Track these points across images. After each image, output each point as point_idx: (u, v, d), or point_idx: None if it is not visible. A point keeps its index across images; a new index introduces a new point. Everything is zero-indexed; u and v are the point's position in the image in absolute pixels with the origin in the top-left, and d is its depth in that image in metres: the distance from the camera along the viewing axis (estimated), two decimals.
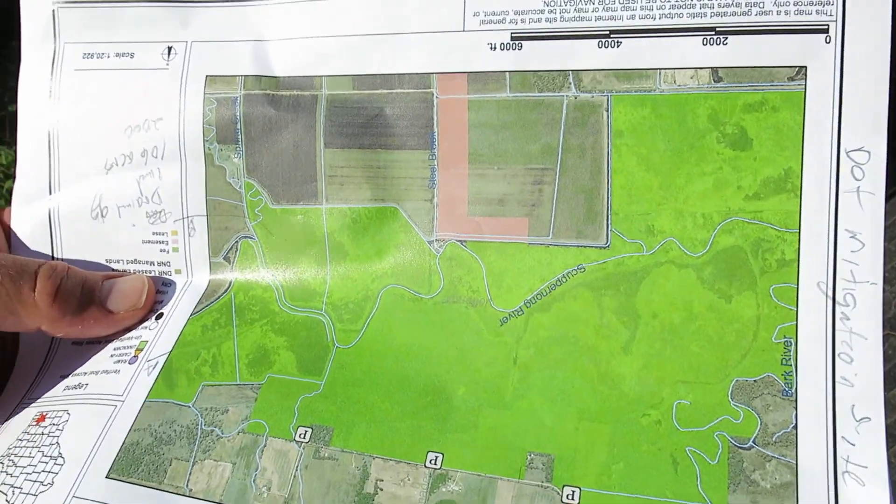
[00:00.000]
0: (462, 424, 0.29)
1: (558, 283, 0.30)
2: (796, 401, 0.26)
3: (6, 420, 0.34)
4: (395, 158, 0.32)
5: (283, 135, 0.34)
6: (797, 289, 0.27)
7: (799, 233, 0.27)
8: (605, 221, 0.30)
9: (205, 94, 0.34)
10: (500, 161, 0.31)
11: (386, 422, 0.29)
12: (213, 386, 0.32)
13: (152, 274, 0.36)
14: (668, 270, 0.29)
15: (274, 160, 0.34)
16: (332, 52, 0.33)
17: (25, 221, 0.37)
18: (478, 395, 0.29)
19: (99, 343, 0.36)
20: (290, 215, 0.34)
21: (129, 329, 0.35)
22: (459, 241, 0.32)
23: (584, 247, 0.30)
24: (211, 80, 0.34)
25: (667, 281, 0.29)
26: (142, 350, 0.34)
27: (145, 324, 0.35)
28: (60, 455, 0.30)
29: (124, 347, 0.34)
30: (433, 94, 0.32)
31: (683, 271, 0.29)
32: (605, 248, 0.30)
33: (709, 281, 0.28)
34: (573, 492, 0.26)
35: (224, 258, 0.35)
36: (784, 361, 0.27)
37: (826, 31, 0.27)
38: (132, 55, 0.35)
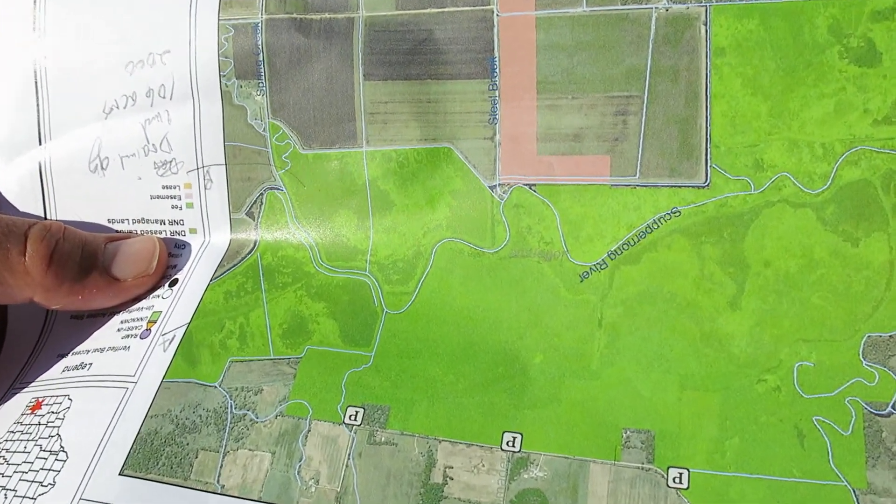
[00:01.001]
0: (542, 398, 0.27)
1: (648, 231, 0.28)
2: None
3: None
4: (447, 90, 0.30)
5: (313, 66, 0.31)
6: None
7: None
8: (703, 156, 0.27)
9: (219, 19, 0.31)
10: (576, 89, 0.28)
11: (451, 398, 0.27)
12: (242, 361, 0.30)
13: (163, 234, 0.34)
14: (782, 211, 0.26)
15: (303, 97, 0.31)
16: None
17: (11, 176, 0.34)
18: (558, 364, 0.27)
19: (103, 316, 0.33)
20: (325, 161, 0.31)
21: (138, 299, 0.33)
22: (528, 184, 0.29)
23: (679, 187, 0.27)
24: (226, 2, 0.31)
25: (780, 223, 0.26)
26: (155, 322, 0.31)
27: (157, 292, 0.33)
28: (62, 449, 0.28)
29: (134, 320, 0.32)
30: (493, 12, 0.29)
31: (800, 211, 0.26)
32: (704, 187, 0.27)
33: (831, 222, 0.26)
34: (680, 474, 0.24)
35: (247, 214, 0.33)
36: None
37: None
38: None
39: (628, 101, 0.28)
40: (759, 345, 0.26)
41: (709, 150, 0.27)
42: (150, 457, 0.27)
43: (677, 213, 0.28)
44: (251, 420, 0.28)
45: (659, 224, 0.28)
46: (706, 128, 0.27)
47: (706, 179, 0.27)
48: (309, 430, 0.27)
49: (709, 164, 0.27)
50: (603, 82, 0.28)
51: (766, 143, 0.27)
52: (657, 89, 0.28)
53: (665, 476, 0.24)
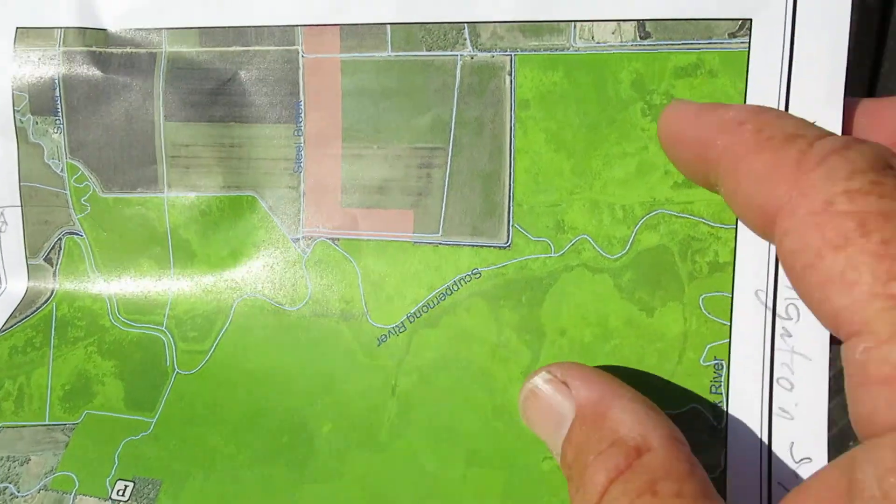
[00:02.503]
0: (324, 472, 0.27)
1: (449, 292, 0.28)
2: (725, 439, 0.25)
3: None
4: (252, 134, 0.30)
5: (113, 104, 0.31)
6: (731, 299, 0.25)
7: (736, 229, 0.25)
8: (505, 215, 0.28)
9: (14, 50, 0.32)
10: (381, 138, 0.29)
11: (229, 471, 0.27)
12: (13, 428, 0.30)
13: None
14: (580, 276, 0.27)
15: (103, 136, 0.32)
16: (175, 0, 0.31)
17: None
18: (346, 434, 0.27)
19: None
20: (125, 206, 0.32)
21: None
22: (331, 238, 0.30)
23: (481, 246, 0.28)
24: (22, 33, 0.32)
25: (578, 289, 0.27)
26: None
27: None
28: None
29: None
30: (299, 53, 0.30)
31: (598, 277, 0.27)
32: (505, 248, 0.28)
33: (628, 289, 0.26)
34: None
35: (45, 259, 0.33)
36: (714, 390, 0.25)
37: None
38: None
39: (433, 153, 0.29)
40: None
41: (511, 208, 0.28)
42: None
43: (478, 275, 0.28)
44: (11, 494, 0.28)
45: (459, 286, 0.28)
46: (510, 184, 0.28)
47: (508, 240, 0.28)
48: None
49: (511, 224, 0.28)
50: (409, 132, 0.29)
51: (568, 203, 0.27)
52: (462, 142, 0.28)
53: None
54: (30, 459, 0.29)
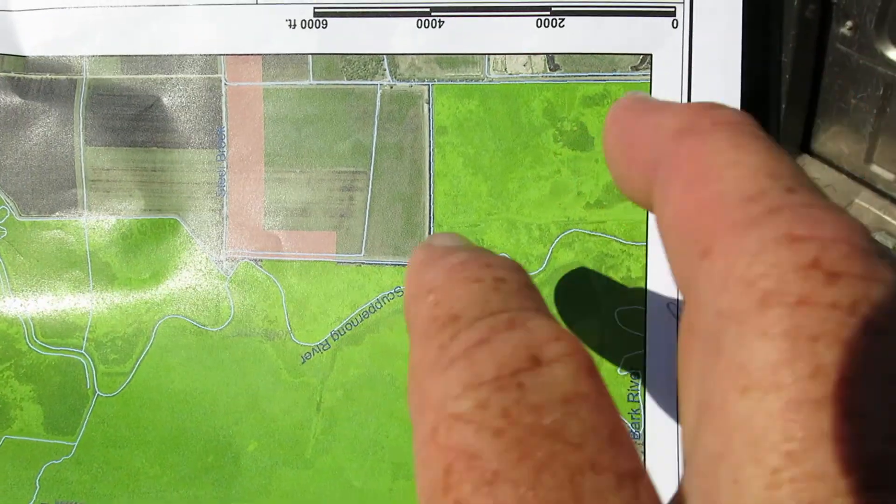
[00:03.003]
0: (250, 490, 0.27)
1: (372, 310, 0.29)
2: (644, 445, 0.26)
3: None
4: (175, 159, 0.31)
5: (32, 129, 0.31)
6: (645, 312, 0.27)
7: (646, 246, 0.27)
8: (426, 235, 0.29)
9: None
10: (303, 163, 0.30)
11: (154, 492, 0.27)
12: None
13: None
14: None
15: (20, 161, 0.31)
16: (96, 26, 0.31)
17: None
18: (272, 452, 0.28)
19: None
20: (43, 230, 0.31)
21: None
22: (254, 259, 0.30)
23: (403, 266, 0.29)
24: None
25: None
26: None
27: None
28: None
29: None
30: (221, 81, 0.30)
31: None
32: None
33: (547, 304, 0.27)
34: None
35: None
36: (631, 398, 0.26)
37: (673, 14, 0.28)
38: None
39: (355, 176, 0.30)
40: None
41: (432, 228, 0.29)
42: None
43: (400, 293, 0.29)
44: None
45: (382, 303, 0.29)
46: (430, 206, 0.29)
47: None
48: None
49: None
50: (331, 157, 0.30)
51: (487, 224, 0.28)
52: (382, 166, 0.29)
53: None
54: None
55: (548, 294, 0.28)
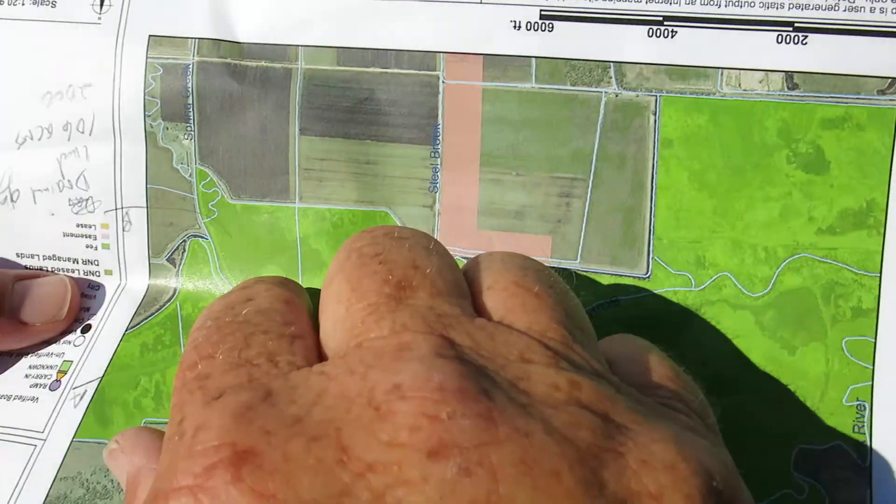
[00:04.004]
0: None
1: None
2: (871, 477, 0.26)
3: None
4: (388, 153, 0.30)
5: (247, 115, 0.31)
6: (875, 344, 0.26)
7: (880, 278, 0.26)
8: (645, 247, 0.28)
9: (147, 57, 0.31)
10: (520, 166, 0.29)
11: None
12: (157, 423, 0.30)
13: (76, 274, 0.34)
14: (721, 311, 0.28)
15: (235, 145, 0.31)
16: (313, 17, 0.30)
17: None
18: None
19: (9, 356, 0.33)
20: (254, 213, 0.32)
21: (48, 342, 0.33)
22: (465, 258, 0.30)
23: (620, 276, 0.29)
24: (156, 41, 0.31)
25: (719, 324, 0.28)
26: (66, 373, 0.32)
27: (69, 337, 0.33)
28: None
29: (43, 367, 0.32)
30: (439, 79, 0.30)
31: (739, 313, 0.28)
32: (644, 278, 0.28)
33: (769, 327, 0.27)
34: None
35: (168, 260, 0.33)
36: (857, 429, 0.26)
37: None
38: (53, 4, 0.32)
39: (573, 183, 0.29)
40: None
41: (652, 241, 0.28)
42: None
43: (616, 304, 0.29)
44: None
45: (598, 312, 0.29)
46: (650, 219, 0.28)
47: (647, 271, 0.28)
48: None
49: (651, 256, 0.28)
50: (548, 162, 0.29)
51: (710, 241, 0.28)
52: (603, 175, 0.29)
53: None
54: None
55: (772, 317, 0.28)
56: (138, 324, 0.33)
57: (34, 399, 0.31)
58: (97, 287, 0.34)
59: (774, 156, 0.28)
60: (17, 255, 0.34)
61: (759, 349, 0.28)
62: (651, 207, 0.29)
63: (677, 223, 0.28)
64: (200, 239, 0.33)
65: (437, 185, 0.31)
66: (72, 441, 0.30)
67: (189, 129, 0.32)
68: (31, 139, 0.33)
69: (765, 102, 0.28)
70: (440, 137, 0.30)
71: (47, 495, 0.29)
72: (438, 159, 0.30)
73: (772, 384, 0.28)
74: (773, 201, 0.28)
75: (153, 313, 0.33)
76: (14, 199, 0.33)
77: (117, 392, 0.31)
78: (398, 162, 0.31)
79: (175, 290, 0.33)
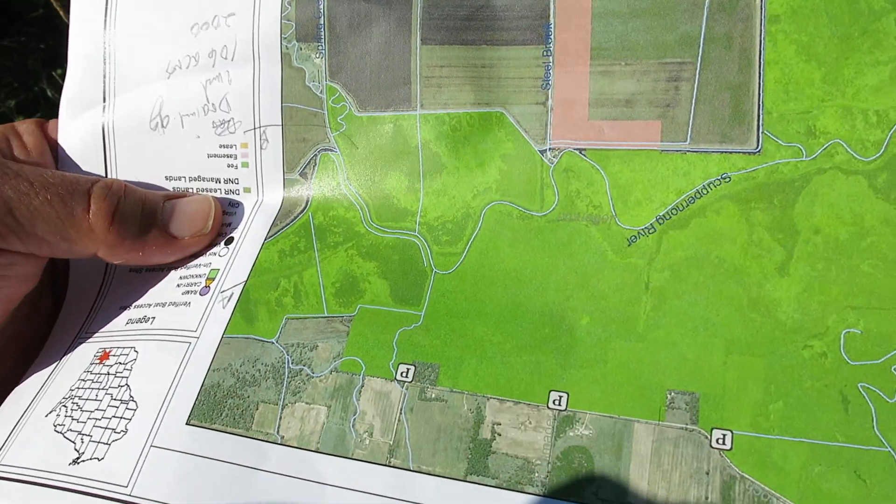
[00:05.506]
0: (588, 359, 0.28)
1: (698, 196, 0.29)
2: None
3: (64, 355, 0.34)
4: (502, 56, 0.32)
5: (372, 30, 0.33)
6: None
7: None
8: (755, 122, 0.29)
9: None
10: (629, 55, 0.30)
11: (499, 357, 0.29)
12: (297, 319, 0.32)
13: (217, 193, 0.36)
14: (834, 178, 0.28)
15: (361, 60, 0.33)
16: None
17: (75, 134, 0.37)
18: (605, 326, 0.29)
19: (161, 270, 0.36)
20: (379, 123, 0.33)
21: (195, 255, 0.35)
22: (578, 149, 0.31)
23: (730, 153, 0.29)
24: None
25: (831, 190, 0.28)
26: (213, 279, 0.34)
27: (214, 249, 0.35)
28: (132, 398, 0.31)
29: (193, 276, 0.34)
30: None
31: (852, 178, 0.27)
32: (755, 153, 0.29)
33: (883, 189, 0.27)
34: (724, 435, 0.26)
35: (300, 174, 0.35)
36: None
37: None
38: None
39: (681, 67, 0.29)
40: (807, 311, 0.27)
41: (761, 116, 0.29)
42: (213, 408, 0.30)
43: (727, 179, 0.29)
44: (307, 375, 0.30)
45: (708, 189, 0.29)
46: (759, 94, 0.29)
47: (758, 145, 0.29)
48: (362, 386, 0.29)
49: (761, 131, 0.29)
50: (656, 49, 0.30)
51: (820, 111, 0.28)
52: (710, 56, 0.29)
53: (708, 437, 0.26)
54: (317, 346, 0.31)
55: (886, 179, 0.27)
56: (276, 233, 0.35)
57: (187, 304, 0.34)
58: (237, 204, 0.36)
59: (882, 20, 0.27)
60: (167, 177, 0.37)
61: (873, 212, 0.27)
62: (759, 83, 0.29)
63: (786, 96, 0.29)
64: (330, 152, 0.35)
65: (550, 81, 0.31)
66: (222, 337, 0.32)
67: (320, 48, 0.34)
68: (180, 68, 0.35)
69: None
70: (552, 36, 0.31)
71: (202, 384, 0.31)
72: (550, 57, 0.31)
73: (888, 245, 0.27)
74: (882, 65, 0.27)
75: (288, 223, 0.35)
76: (164, 124, 0.36)
77: (260, 293, 0.33)
78: (512, 63, 0.32)
79: (307, 200, 0.35)
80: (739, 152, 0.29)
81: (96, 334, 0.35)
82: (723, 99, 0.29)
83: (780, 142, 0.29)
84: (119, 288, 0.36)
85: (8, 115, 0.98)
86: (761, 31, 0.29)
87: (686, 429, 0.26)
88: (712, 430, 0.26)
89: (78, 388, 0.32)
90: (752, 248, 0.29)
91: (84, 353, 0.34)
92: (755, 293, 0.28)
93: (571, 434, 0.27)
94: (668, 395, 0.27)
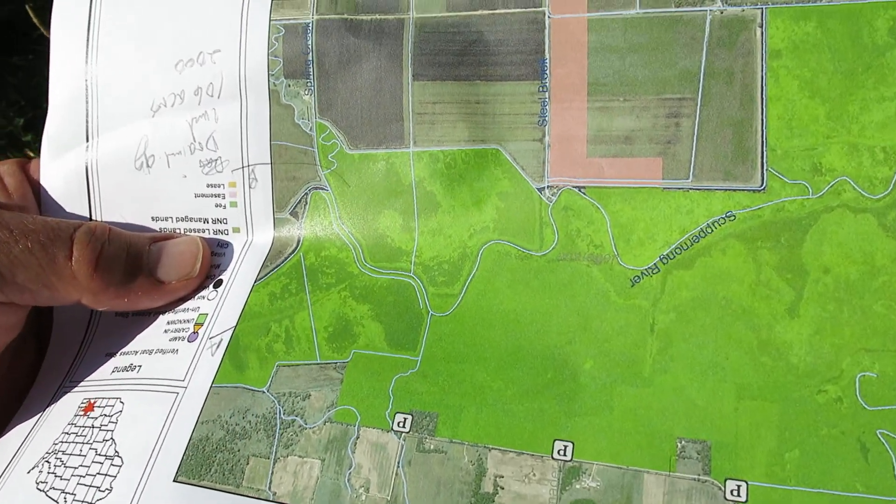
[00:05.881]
0: (593, 406, 0.27)
1: (702, 235, 0.28)
2: None
3: (48, 405, 0.33)
4: (497, 91, 0.31)
5: (363, 66, 0.32)
6: None
7: None
8: (759, 159, 0.28)
9: (270, 19, 0.33)
10: (628, 91, 0.29)
11: (500, 404, 0.28)
12: (289, 366, 0.31)
13: (206, 234, 0.35)
14: (842, 216, 0.27)
15: (351, 97, 0.32)
16: None
17: (57, 174, 0.36)
18: (609, 370, 0.28)
19: (148, 315, 0.34)
20: (371, 161, 0.32)
21: (183, 299, 0.34)
22: (577, 187, 0.30)
23: (734, 190, 0.28)
24: (278, 3, 0.33)
25: (840, 229, 0.27)
26: (202, 325, 0.32)
27: (202, 293, 0.34)
28: (117, 454, 0.29)
29: (180, 322, 0.33)
30: (545, 14, 0.30)
31: (860, 217, 0.27)
32: (759, 191, 0.28)
33: (893, 228, 0.26)
34: (738, 486, 0.25)
35: (291, 213, 0.34)
36: None
37: None
38: None
39: (681, 103, 0.29)
40: (819, 354, 0.26)
41: (765, 153, 0.28)
42: (202, 463, 0.28)
43: (732, 218, 0.28)
44: (300, 426, 0.29)
45: (713, 228, 0.28)
46: (762, 131, 0.28)
47: (762, 183, 0.28)
48: (358, 437, 0.28)
49: (765, 168, 0.28)
50: (655, 84, 0.29)
51: (825, 147, 0.27)
52: (711, 91, 0.28)
53: (722, 488, 0.25)
54: (310, 395, 0.30)
55: (895, 218, 0.26)
56: (266, 275, 0.33)
57: (174, 351, 0.32)
58: (226, 245, 0.35)
59: (886, 55, 0.27)
60: (153, 218, 0.35)
61: (884, 251, 0.27)
62: (762, 119, 0.28)
63: (790, 132, 0.28)
64: (321, 191, 0.34)
65: (546, 118, 0.31)
66: (211, 387, 0.31)
67: (309, 84, 0.33)
68: (165, 106, 0.34)
69: (874, 3, 0.27)
70: (547, 71, 0.30)
71: (190, 438, 0.29)
72: (546, 93, 0.30)
73: None
74: (887, 101, 0.27)
75: (279, 264, 0.34)
76: (150, 164, 0.35)
77: (250, 339, 0.32)
78: (507, 99, 0.31)
79: (298, 240, 0.34)
80: (744, 190, 0.28)
81: (81, 383, 0.33)
82: (725, 135, 0.29)
83: (785, 179, 0.28)
84: (105, 334, 0.35)
85: (15, 133, 0.96)
86: (763, 66, 0.28)
87: (699, 479, 0.25)
88: (726, 480, 0.25)
89: (62, 441, 0.31)
90: (761, 288, 0.28)
91: (68, 404, 0.33)
92: (765, 335, 0.27)
93: (578, 486, 0.26)
94: (679, 444, 0.26)
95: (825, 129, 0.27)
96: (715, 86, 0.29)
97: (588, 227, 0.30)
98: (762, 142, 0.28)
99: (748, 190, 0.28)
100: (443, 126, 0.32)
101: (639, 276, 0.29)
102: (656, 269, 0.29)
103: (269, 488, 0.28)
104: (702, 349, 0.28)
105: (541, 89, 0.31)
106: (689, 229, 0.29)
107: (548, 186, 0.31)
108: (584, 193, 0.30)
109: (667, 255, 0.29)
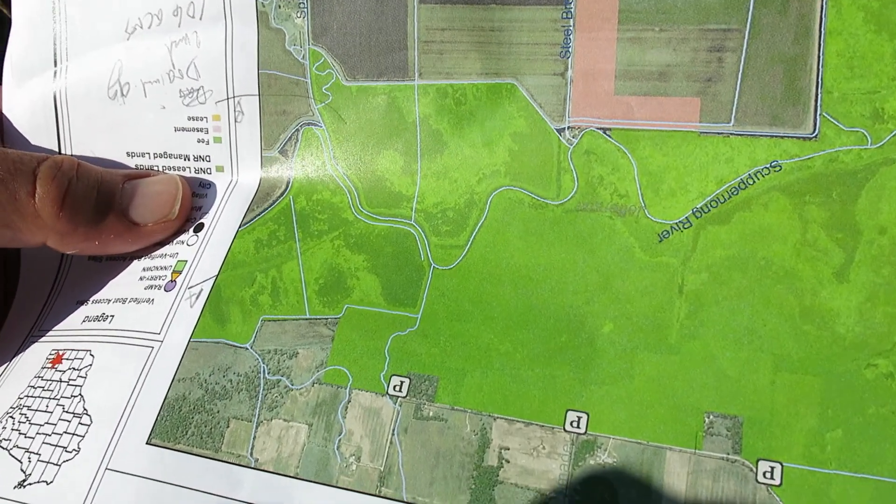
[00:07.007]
0: (611, 374, 0.24)
1: (742, 186, 0.25)
2: None
3: (14, 356, 0.30)
4: (514, 18, 0.27)
5: None
6: None
7: None
8: (812, 102, 0.24)
9: None
10: (664, 20, 0.25)
11: (508, 369, 0.25)
12: (275, 321, 0.27)
13: (186, 172, 0.31)
14: None
15: (349, 21, 0.28)
16: None
17: (22, 103, 0.32)
18: (631, 335, 0.25)
19: (123, 260, 0.31)
20: (370, 95, 0.29)
21: (161, 243, 0.31)
22: (602, 128, 0.26)
23: (781, 137, 0.25)
24: None
25: None
26: (180, 273, 0.29)
27: (182, 237, 0.31)
28: (86, 412, 0.26)
29: (157, 268, 0.30)
30: None
31: None
32: (811, 138, 0.24)
33: None
34: (772, 468, 0.22)
35: (280, 151, 0.30)
36: None
37: None
38: None
39: (726, 35, 0.25)
40: (870, 324, 0.23)
41: (819, 95, 0.24)
42: (178, 425, 0.26)
43: (777, 168, 0.25)
44: (286, 387, 0.26)
45: (755, 179, 0.25)
46: (817, 69, 0.24)
47: (814, 130, 0.24)
48: (349, 401, 0.25)
49: (818, 113, 0.24)
50: (697, 12, 0.25)
51: (889, 91, 0.24)
52: (761, 22, 0.25)
53: (754, 470, 0.22)
54: (298, 353, 0.27)
55: None
56: (252, 220, 0.30)
57: (150, 301, 0.29)
58: (208, 185, 0.32)
59: None
60: (128, 153, 0.32)
61: None
62: (819, 56, 0.24)
63: (851, 72, 0.24)
64: (314, 127, 0.30)
65: (570, 48, 0.27)
66: (189, 341, 0.28)
67: (302, 6, 0.29)
68: (141, 27, 0.31)
69: None
70: None
71: (165, 397, 0.26)
72: (571, 20, 0.27)
73: None
74: None
75: (266, 208, 0.30)
76: (124, 92, 0.31)
77: (233, 290, 0.29)
78: (526, 26, 0.27)
79: (288, 182, 0.31)
80: (793, 137, 0.25)
81: (49, 332, 0.30)
82: (774, 74, 0.25)
83: (841, 126, 0.24)
84: (76, 279, 0.32)
85: None
86: None
87: (727, 459, 0.22)
88: (758, 461, 0.22)
89: (27, 395, 0.28)
90: (806, 248, 0.24)
91: (36, 355, 0.30)
92: (809, 301, 0.24)
93: (592, 462, 0.23)
94: (707, 419, 0.23)
95: (891, 70, 0.24)
96: (766, 15, 0.25)
97: (612, 175, 0.27)
98: (817, 82, 0.25)
99: (798, 137, 0.25)
100: (452, 56, 0.28)
101: (668, 231, 0.26)
102: (688, 224, 0.26)
103: (251, 454, 0.25)
104: (736, 314, 0.25)
105: (564, 16, 0.27)
106: (727, 180, 0.25)
107: (568, 127, 0.27)
108: (610, 136, 0.27)
109: (700, 207, 0.26)
